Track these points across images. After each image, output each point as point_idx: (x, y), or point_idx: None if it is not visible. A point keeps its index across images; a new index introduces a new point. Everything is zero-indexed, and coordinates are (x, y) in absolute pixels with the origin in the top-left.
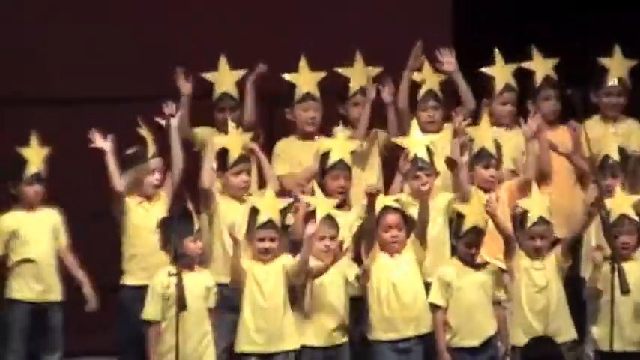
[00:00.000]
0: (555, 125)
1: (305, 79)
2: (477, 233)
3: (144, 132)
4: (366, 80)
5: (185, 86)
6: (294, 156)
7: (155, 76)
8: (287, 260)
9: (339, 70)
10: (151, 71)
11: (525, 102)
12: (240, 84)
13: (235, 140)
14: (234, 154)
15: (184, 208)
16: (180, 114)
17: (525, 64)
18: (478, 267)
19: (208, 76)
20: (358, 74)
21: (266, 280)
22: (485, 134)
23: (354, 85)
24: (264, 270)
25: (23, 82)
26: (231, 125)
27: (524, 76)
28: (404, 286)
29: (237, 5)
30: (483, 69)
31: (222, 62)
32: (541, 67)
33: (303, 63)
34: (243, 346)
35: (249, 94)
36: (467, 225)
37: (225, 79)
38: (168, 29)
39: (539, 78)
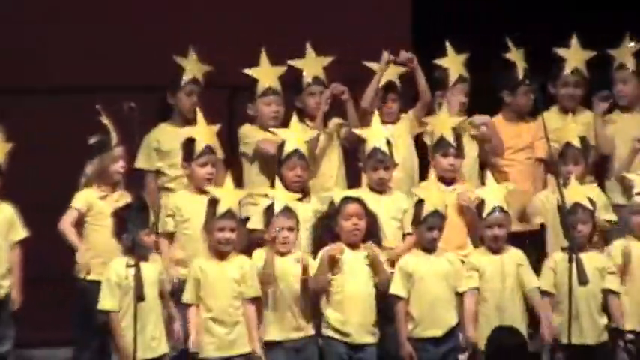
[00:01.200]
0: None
1: (266, 74)
2: (438, 217)
3: (106, 120)
4: (320, 70)
5: None
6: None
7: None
8: (244, 262)
9: (292, 62)
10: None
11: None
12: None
13: (202, 131)
14: (200, 145)
15: (141, 199)
16: None
17: (508, 55)
18: (439, 254)
19: (179, 60)
20: (311, 65)
21: (220, 281)
22: (444, 123)
23: (307, 76)
24: (218, 269)
25: None
26: (200, 115)
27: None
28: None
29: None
30: (436, 60)
31: (191, 51)
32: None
33: (264, 57)
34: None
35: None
36: (427, 209)
37: (193, 66)
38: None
39: (520, 70)
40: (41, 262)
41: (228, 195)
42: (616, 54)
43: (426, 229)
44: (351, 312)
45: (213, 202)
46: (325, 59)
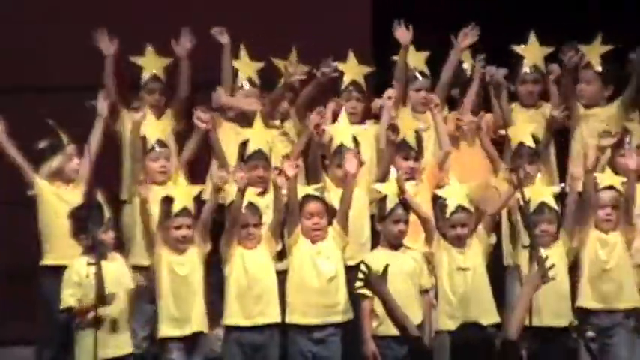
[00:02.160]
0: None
1: (246, 67)
2: (404, 209)
3: (53, 124)
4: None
5: (108, 47)
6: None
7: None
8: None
9: (275, 61)
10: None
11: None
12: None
13: (153, 127)
14: (152, 140)
15: (94, 198)
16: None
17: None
18: (401, 252)
19: (136, 60)
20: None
21: (183, 264)
22: (406, 126)
23: (286, 77)
24: (180, 258)
25: None
26: (149, 112)
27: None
28: (324, 273)
29: None
30: (396, 57)
31: (149, 49)
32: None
33: (243, 52)
34: (165, 331)
35: None
36: (391, 202)
37: (153, 63)
38: None
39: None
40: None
41: (182, 193)
42: (587, 52)
43: (391, 223)
44: (310, 299)
45: (168, 200)
46: (304, 67)
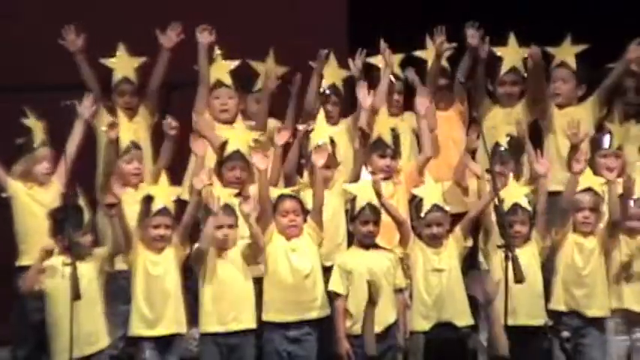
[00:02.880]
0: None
1: (217, 68)
2: (372, 210)
3: (30, 122)
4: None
5: (74, 43)
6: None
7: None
8: (177, 249)
9: (252, 63)
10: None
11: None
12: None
13: (126, 128)
14: (125, 142)
15: (75, 199)
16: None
17: (419, 53)
18: (377, 248)
19: (107, 61)
20: (270, 69)
21: (158, 264)
22: (382, 124)
23: (261, 82)
24: (156, 258)
25: None
26: (122, 113)
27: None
28: (300, 270)
29: None
30: (370, 59)
31: (121, 48)
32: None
33: (217, 52)
34: (136, 329)
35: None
36: (360, 203)
37: (124, 64)
38: None
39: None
40: None
41: (162, 192)
42: (557, 52)
43: (360, 223)
44: (286, 296)
45: (148, 199)
46: (282, 68)
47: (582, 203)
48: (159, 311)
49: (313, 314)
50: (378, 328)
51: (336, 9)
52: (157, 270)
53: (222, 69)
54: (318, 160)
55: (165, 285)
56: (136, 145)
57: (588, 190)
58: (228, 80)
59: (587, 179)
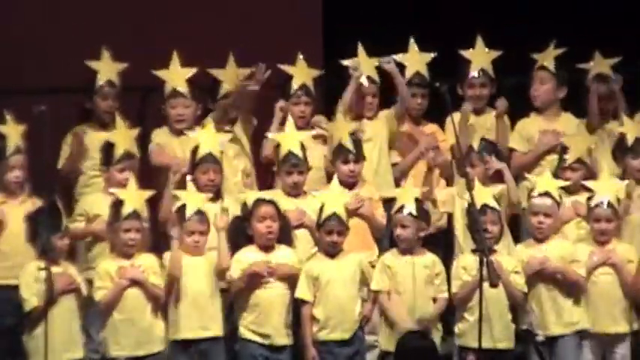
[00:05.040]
0: (420, 122)
1: (174, 76)
2: (337, 220)
3: (5, 128)
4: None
5: None
6: (171, 150)
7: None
8: (149, 260)
9: (211, 71)
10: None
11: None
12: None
13: (121, 135)
14: (120, 150)
15: (53, 203)
16: None
17: (398, 57)
18: (341, 257)
19: (92, 64)
20: (230, 76)
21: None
22: (342, 130)
23: (225, 87)
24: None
25: None
26: (119, 120)
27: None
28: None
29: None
30: (345, 62)
31: (105, 53)
32: (414, 61)
33: (175, 59)
34: (112, 350)
35: None
36: (326, 212)
37: (108, 68)
38: None
39: (409, 72)
40: None
41: (132, 196)
42: (538, 57)
43: (324, 233)
44: (268, 314)
45: (118, 204)
46: (244, 71)
47: (537, 207)
48: (135, 330)
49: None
50: (345, 334)
51: (311, 8)
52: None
53: (179, 77)
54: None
55: (140, 301)
56: (129, 155)
57: (546, 194)
58: (184, 88)
59: (546, 184)
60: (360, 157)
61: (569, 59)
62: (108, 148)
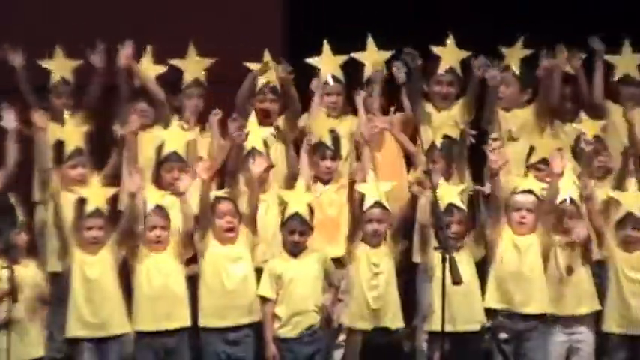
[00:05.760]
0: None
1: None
2: (299, 220)
3: None
4: (200, 72)
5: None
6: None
7: None
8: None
9: (172, 62)
10: None
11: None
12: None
13: (72, 132)
14: (70, 147)
15: (6, 200)
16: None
17: (357, 56)
18: (305, 255)
19: (45, 63)
20: (192, 66)
21: (94, 266)
22: (321, 126)
23: (187, 77)
24: (92, 257)
25: None
26: (67, 115)
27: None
28: (236, 275)
29: None
30: (309, 60)
31: (58, 50)
32: (374, 59)
33: (147, 56)
34: (74, 331)
35: None
36: (289, 212)
37: (62, 66)
38: None
39: (368, 70)
40: None
41: (95, 194)
42: (506, 53)
43: (286, 232)
44: (228, 300)
45: (82, 202)
46: (206, 61)
47: (520, 204)
48: (100, 316)
49: (251, 318)
50: (307, 332)
51: (273, 5)
52: (94, 273)
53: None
54: (256, 170)
55: (105, 287)
56: (80, 152)
57: (528, 192)
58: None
59: (529, 183)
60: (337, 155)
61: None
62: (59, 146)
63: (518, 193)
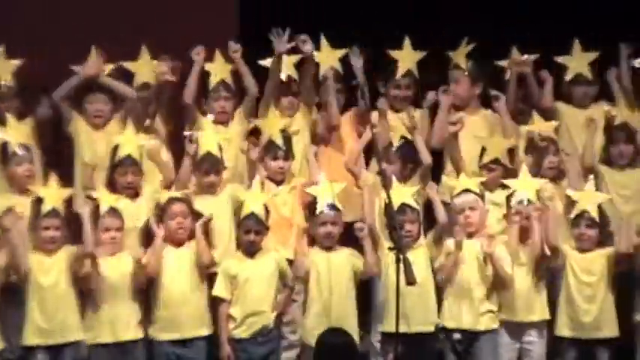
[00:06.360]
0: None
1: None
2: (254, 220)
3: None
4: (152, 74)
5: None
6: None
7: None
8: (70, 250)
9: (125, 64)
10: None
11: None
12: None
13: (12, 130)
14: (14, 144)
15: None
16: None
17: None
18: (260, 256)
19: None
20: (144, 69)
21: (49, 272)
22: (272, 126)
23: (138, 80)
24: (48, 262)
25: None
26: (10, 116)
27: None
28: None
29: None
30: (262, 61)
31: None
32: (327, 58)
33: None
34: (30, 339)
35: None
36: (245, 211)
37: (3, 67)
38: None
39: (323, 69)
40: None
41: (52, 194)
42: (452, 55)
43: (242, 232)
44: (178, 308)
45: (38, 201)
46: (160, 64)
47: (461, 205)
48: (54, 322)
49: (199, 331)
50: (261, 332)
51: (228, 5)
52: (48, 279)
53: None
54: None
55: (57, 293)
56: (25, 147)
57: (466, 191)
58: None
59: (463, 182)
60: (289, 154)
61: (487, 56)
62: (3, 146)
63: (457, 196)
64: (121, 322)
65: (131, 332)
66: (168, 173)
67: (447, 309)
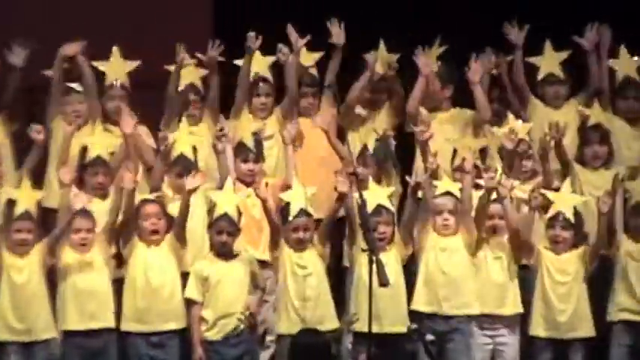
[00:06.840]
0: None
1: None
2: (227, 220)
3: None
4: (124, 74)
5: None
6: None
7: None
8: (41, 247)
9: (95, 63)
10: None
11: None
12: None
13: None
14: None
15: None
16: None
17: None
18: (232, 257)
19: None
20: (115, 68)
21: (22, 271)
22: (244, 128)
23: (109, 79)
24: (20, 263)
25: None
26: None
27: None
28: (159, 278)
29: None
30: (237, 61)
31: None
32: (304, 60)
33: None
34: (1, 335)
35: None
36: (218, 212)
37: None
38: None
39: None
40: None
41: (25, 196)
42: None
43: (214, 233)
44: (151, 302)
45: (11, 203)
46: (132, 64)
47: (441, 207)
48: (26, 321)
49: (172, 325)
50: (234, 334)
51: (202, 8)
52: (21, 277)
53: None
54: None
55: (32, 292)
56: None
57: (447, 194)
58: (78, 86)
59: (446, 185)
60: (260, 157)
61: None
62: None
63: (438, 197)
64: (88, 315)
65: (102, 322)
66: (149, 157)
67: (424, 294)
